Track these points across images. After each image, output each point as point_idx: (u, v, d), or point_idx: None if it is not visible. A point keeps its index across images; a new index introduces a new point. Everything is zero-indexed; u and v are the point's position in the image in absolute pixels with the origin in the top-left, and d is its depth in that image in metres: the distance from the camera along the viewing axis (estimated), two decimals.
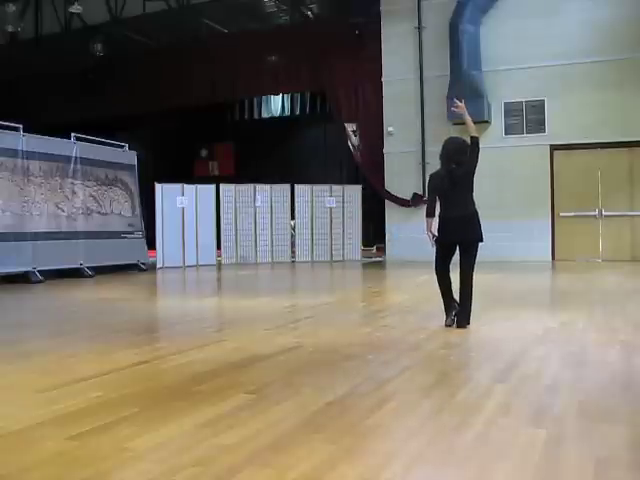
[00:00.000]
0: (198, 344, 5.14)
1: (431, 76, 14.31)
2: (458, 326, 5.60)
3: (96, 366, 4.38)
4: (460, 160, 5.64)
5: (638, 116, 12.77)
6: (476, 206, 5.72)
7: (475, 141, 5.67)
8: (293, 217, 15.09)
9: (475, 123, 6.00)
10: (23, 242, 10.98)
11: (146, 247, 14.10)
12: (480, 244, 5.68)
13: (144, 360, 4.56)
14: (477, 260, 5.69)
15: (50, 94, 18.14)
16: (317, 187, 15.12)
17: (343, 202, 15.11)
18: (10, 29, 16.70)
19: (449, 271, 5.80)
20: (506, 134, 13.88)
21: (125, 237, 13.52)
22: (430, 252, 6.00)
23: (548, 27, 13.31)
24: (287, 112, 21.04)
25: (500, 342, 5.02)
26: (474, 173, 5.71)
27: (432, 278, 6.03)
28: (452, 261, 5.80)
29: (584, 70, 13.11)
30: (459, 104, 5.93)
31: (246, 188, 14.87)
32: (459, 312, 5.66)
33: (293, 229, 15.17)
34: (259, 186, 14.91)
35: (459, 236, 5.68)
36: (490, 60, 13.71)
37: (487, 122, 13.75)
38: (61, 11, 16.96)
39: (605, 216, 13.26)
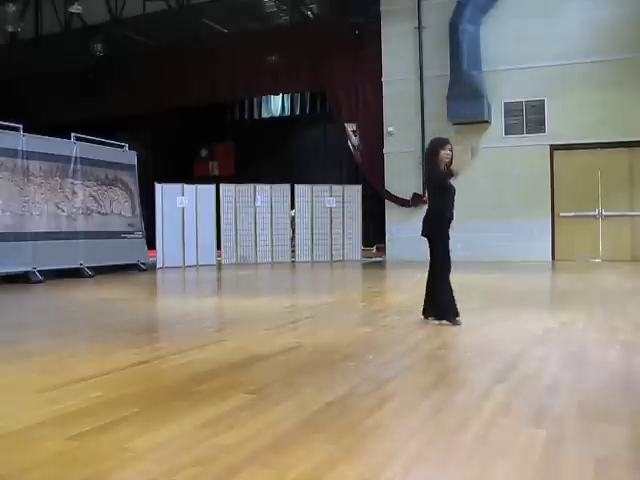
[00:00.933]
0: (198, 344, 5.13)
1: (431, 76, 14.32)
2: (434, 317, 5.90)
3: (96, 366, 4.38)
4: (426, 164, 6.00)
5: (638, 116, 12.77)
6: (437, 206, 5.86)
7: (449, 173, 5.81)
8: (293, 207, 15.06)
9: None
10: (23, 242, 10.98)
11: (146, 247, 14.09)
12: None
13: (144, 360, 4.56)
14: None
15: (50, 94, 18.14)
16: (317, 187, 15.12)
17: (343, 202, 15.11)
18: (10, 29, 16.70)
19: (430, 266, 6.01)
20: (506, 134, 13.88)
21: (125, 237, 13.52)
22: None
23: (548, 27, 13.32)
24: (287, 112, 21.03)
25: (500, 342, 5.02)
26: (431, 181, 5.94)
27: None
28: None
29: (584, 70, 13.11)
30: (475, 155, 6.05)
31: (246, 188, 14.87)
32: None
33: (292, 221, 15.13)
34: (259, 186, 14.91)
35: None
36: (490, 60, 13.71)
37: (487, 122, 13.76)
38: (61, 11, 16.96)
39: (605, 216, 13.26)
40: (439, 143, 5.89)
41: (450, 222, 5.86)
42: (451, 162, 5.83)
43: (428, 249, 5.95)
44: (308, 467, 2.52)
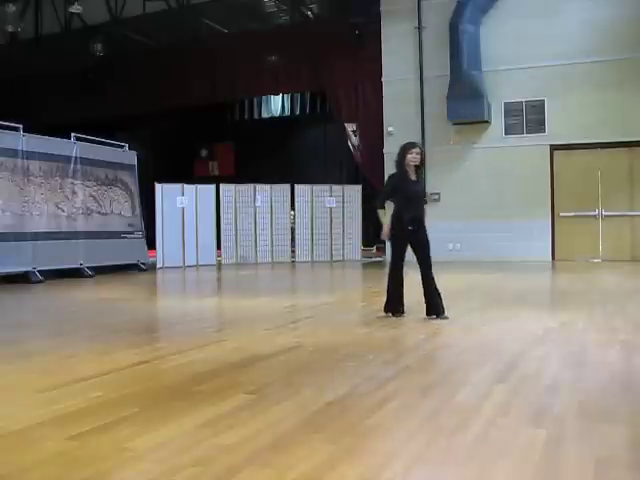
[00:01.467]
0: (198, 344, 5.13)
1: (431, 76, 14.31)
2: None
3: (96, 366, 4.37)
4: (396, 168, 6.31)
5: (638, 116, 12.77)
6: (399, 207, 6.14)
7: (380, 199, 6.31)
8: (293, 207, 15.06)
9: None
10: (23, 242, 10.98)
11: (146, 247, 14.09)
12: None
13: (144, 360, 4.56)
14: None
15: (50, 94, 18.14)
16: (317, 187, 15.12)
17: (343, 202, 15.11)
18: (10, 29, 16.70)
19: (420, 265, 6.20)
20: (506, 134, 13.88)
21: (125, 237, 13.52)
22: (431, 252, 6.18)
23: (548, 27, 13.31)
24: (287, 112, 21.05)
25: (500, 342, 5.02)
26: (396, 185, 6.19)
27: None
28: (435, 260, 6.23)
29: (584, 70, 13.11)
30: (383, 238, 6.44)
31: (246, 188, 14.87)
32: None
33: (293, 221, 15.12)
34: (259, 186, 14.92)
35: None
36: (490, 60, 13.70)
37: (487, 122, 13.76)
38: (61, 11, 16.96)
39: (605, 216, 13.25)
40: (406, 147, 6.19)
41: (410, 224, 6.01)
42: (420, 165, 6.18)
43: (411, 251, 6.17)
44: (308, 467, 2.52)
